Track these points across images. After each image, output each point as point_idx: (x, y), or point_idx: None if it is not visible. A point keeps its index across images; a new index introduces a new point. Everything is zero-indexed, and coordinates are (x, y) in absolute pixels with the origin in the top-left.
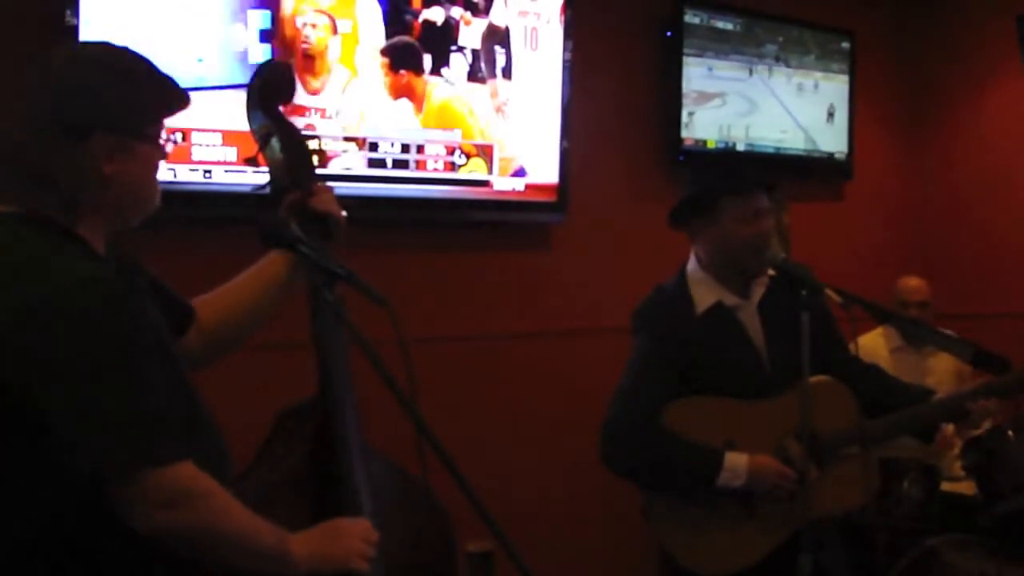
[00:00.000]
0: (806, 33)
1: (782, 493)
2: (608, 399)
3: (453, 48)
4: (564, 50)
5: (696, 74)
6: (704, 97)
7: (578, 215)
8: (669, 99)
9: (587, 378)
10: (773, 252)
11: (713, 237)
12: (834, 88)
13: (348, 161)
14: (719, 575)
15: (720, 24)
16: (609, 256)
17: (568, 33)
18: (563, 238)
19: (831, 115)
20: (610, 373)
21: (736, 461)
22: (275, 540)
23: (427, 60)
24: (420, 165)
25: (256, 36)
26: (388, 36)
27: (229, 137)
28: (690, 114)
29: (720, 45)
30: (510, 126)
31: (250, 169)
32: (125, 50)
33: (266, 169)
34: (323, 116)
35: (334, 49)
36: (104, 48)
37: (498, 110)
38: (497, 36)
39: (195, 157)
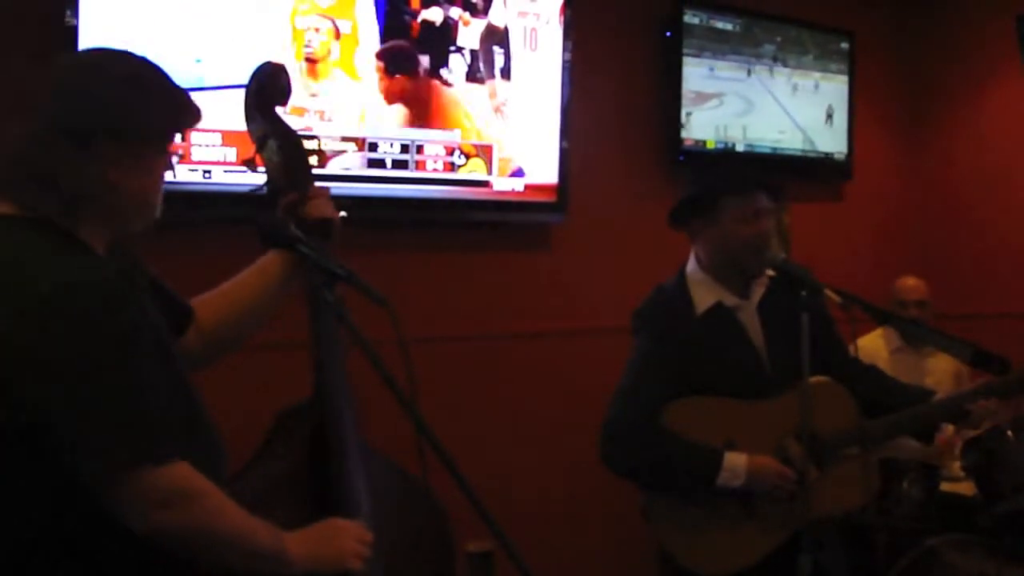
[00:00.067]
0: (806, 33)
1: (782, 493)
2: (608, 399)
3: (452, 48)
4: (564, 50)
5: (696, 74)
6: (702, 97)
7: (578, 215)
8: (669, 99)
9: (587, 378)
10: (773, 252)
11: (713, 237)
12: (833, 88)
13: (347, 161)
14: (719, 575)
15: (720, 24)
16: (609, 256)
17: (567, 33)
18: (563, 238)
19: (830, 116)
20: (610, 373)
21: (735, 461)
22: (271, 540)
23: (425, 61)
24: (419, 165)
25: (257, 37)
26: (387, 36)
27: (229, 137)
28: (687, 114)
29: (719, 45)
30: (509, 126)
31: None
32: (142, 61)
33: (263, 170)
34: (322, 117)
35: (335, 52)
36: (121, 57)
37: (497, 110)
38: (496, 36)
39: (195, 157)
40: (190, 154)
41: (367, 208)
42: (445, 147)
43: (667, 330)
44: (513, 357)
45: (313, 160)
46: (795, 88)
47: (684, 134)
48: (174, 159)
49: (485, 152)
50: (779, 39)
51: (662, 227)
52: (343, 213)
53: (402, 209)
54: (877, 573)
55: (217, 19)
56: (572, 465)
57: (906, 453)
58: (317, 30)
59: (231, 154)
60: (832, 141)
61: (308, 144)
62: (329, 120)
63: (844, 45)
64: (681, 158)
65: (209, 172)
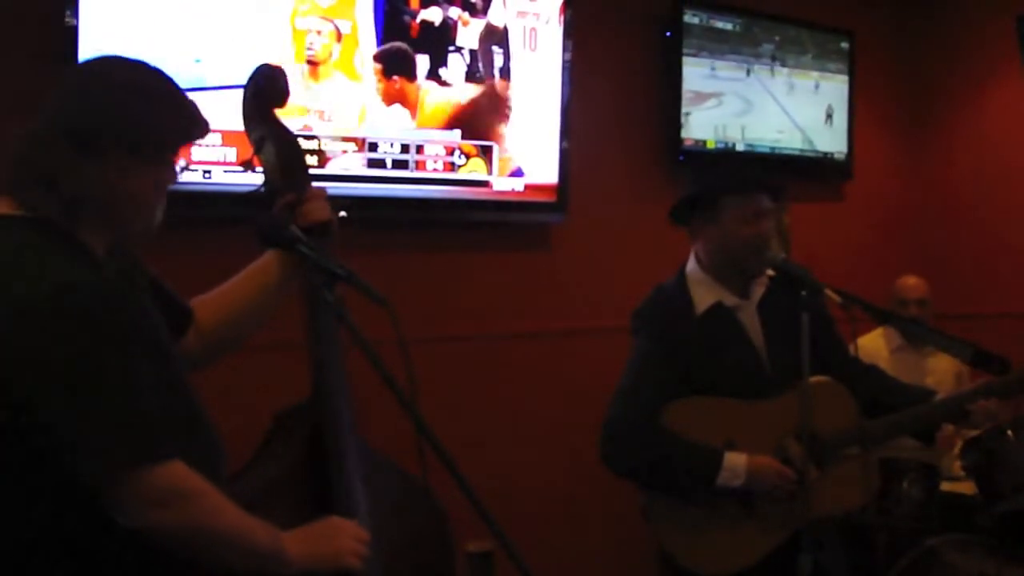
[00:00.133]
0: (805, 33)
1: (782, 493)
2: (608, 399)
3: (451, 48)
4: (564, 50)
5: (695, 74)
6: (700, 97)
7: (578, 215)
8: (669, 99)
9: (587, 378)
10: (773, 252)
11: (713, 236)
12: (833, 88)
13: (347, 161)
14: (719, 575)
15: (719, 24)
16: (609, 256)
17: (567, 33)
18: (563, 238)
19: (830, 115)
20: (610, 373)
21: (735, 461)
22: (268, 539)
23: (425, 61)
24: (419, 165)
25: (256, 38)
26: (386, 37)
27: (228, 137)
28: (686, 114)
29: (719, 45)
30: (509, 126)
31: (248, 171)
32: (154, 71)
33: (261, 171)
34: (322, 117)
35: (336, 53)
36: (132, 66)
37: (497, 110)
38: (495, 36)
39: (195, 157)
40: (190, 154)
41: (367, 208)
42: (445, 147)
43: (667, 330)
44: (513, 357)
45: (313, 160)
46: (794, 88)
47: (684, 134)
48: (179, 167)
49: (485, 152)
50: (778, 39)
51: (662, 227)
52: (343, 213)
53: (402, 209)
54: (877, 573)
55: (217, 19)
56: (572, 465)
57: (906, 453)
58: (319, 32)
59: (231, 154)
60: (832, 141)
61: (308, 144)
62: (329, 120)
63: (844, 45)
64: (681, 158)
65: (209, 172)
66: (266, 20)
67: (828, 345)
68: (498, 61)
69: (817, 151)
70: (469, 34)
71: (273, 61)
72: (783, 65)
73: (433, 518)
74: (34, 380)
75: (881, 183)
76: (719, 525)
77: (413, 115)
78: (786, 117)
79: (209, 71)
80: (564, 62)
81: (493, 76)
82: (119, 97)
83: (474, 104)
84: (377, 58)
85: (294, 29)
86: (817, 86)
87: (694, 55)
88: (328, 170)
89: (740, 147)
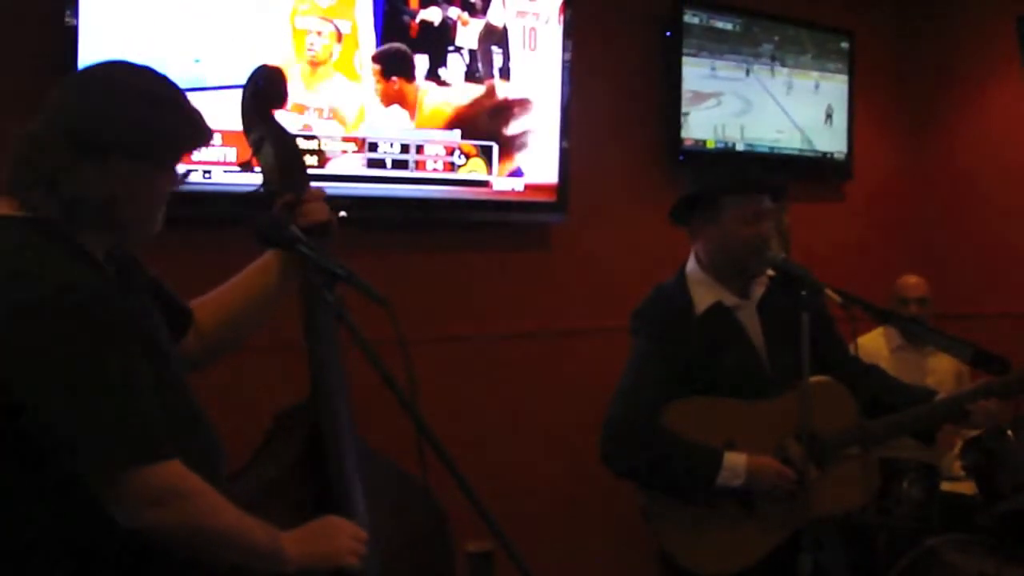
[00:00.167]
0: (805, 33)
1: (781, 493)
2: (608, 399)
3: (451, 48)
4: (563, 50)
5: (695, 74)
6: (700, 97)
7: (578, 215)
8: (669, 99)
9: (587, 378)
10: (773, 253)
11: (713, 236)
12: (833, 88)
13: (347, 161)
14: (719, 575)
15: (719, 24)
16: (609, 256)
17: (567, 33)
18: (563, 238)
19: (829, 115)
20: (610, 373)
21: (735, 461)
22: (266, 538)
23: (424, 61)
24: (419, 165)
25: (256, 38)
26: (385, 36)
27: (228, 137)
28: (685, 114)
29: (719, 45)
30: (508, 126)
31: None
32: (160, 78)
33: (259, 171)
34: (321, 115)
35: (336, 53)
36: (140, 73)
37: (496, 110)
38: (494, 36)
39: (195, 157)
40: (190, 156)
41: (367, 208)
42: (445, 147)
43: (667, 330)
44: (513, 357)
45: (313, 160)
46: (794, 88)
47: (683, 134)
48: (181, 173)
49: (485, 152)
50: (777, 39)
51: (662, 227)
52: (343, 213)
53: (402, 209)
54: (877, 573)
55: (217, 19)
56: (572, 465)
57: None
58: (319, 33)
59: (231, 154)
60: (831, 141)
61: (308, 144)
62: (329, 120)
63: (844, 45)
64: (681, 158)
65: (209, 172)
66: (266, 20)
67: (828, 345)
68: (497, 61)
69: (816, 151)
70: (468, 34)
71: (273, 62)
72: (783, 65)
73: (432, 518)
74: (33, 380)
75: (881, 183)
76: (719, 525)
77: (412, 116)
78: (785, 117)
79: (209, 71)
80: (564, 62)
81: (492, 76)
82: (121, 101)
83: (473, 104)
84: (376, 59)
85: (294, 29)
86: (817, 86)
87: (694, 55)
88: (328, 170)
89: (739, 147)
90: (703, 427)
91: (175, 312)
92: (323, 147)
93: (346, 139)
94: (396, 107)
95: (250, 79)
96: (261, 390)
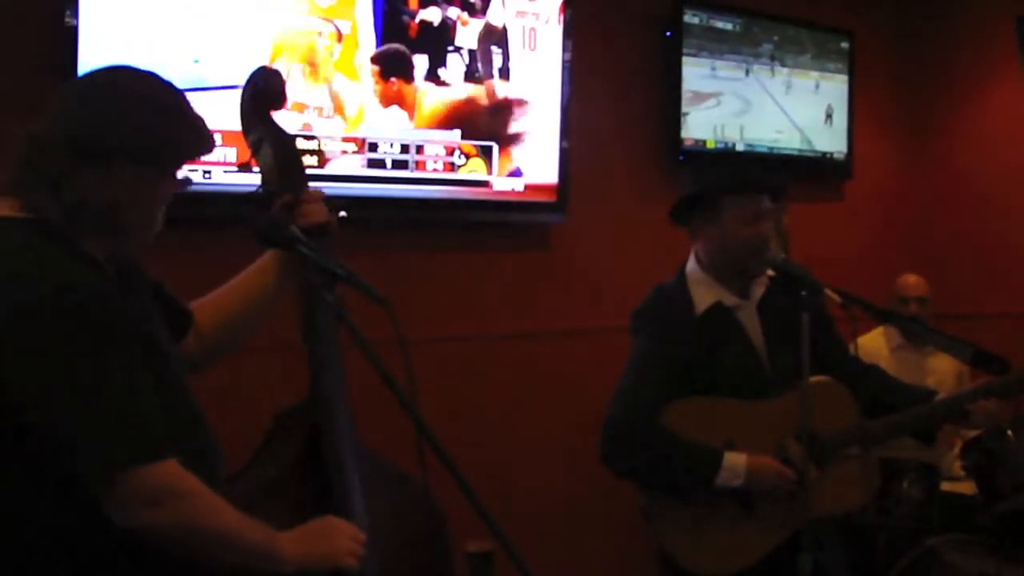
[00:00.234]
0: (806, 33)
1: (781, 493)
2: (608, 399)
3: (450, 48)
4: (563, 50)
5: (695, 74)
6: (699, 97)
7: (578, 215)
8: (669, 99)
9: (587, 378)
10: (773, 253)
11: (713, 236)
12: (833, 88)
13: (347, 162)
14: (719, 575)
15: (719, 24)
16: (609, 256)
17: (567, 33)
18: (563, 238)
19: (829, 115)
20: (610, 373)
21: (735, 461)
22: (263, 538)
23: (423, 61)
24: (419, 165)
25: (256, 38)
26: (385, 37)
27: (228, 137)
28: (684, 114)
29: (719, 45)
30: (508, 127)
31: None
32: (165, 85)
33: (258, 172)
34: (320, 113)
35: (336, 53)
36: (144, 79)
37: (496, 110)
38: (494, 36)
39: None
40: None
41: (367, 208)
42: (445, 147)
43: (667, 330)
44: (513, 357)
45: (313, 161)
46: (794, 88)
47: (683, 134)
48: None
49: (485, 152)
50: (776, 38)
51: (662, 227)
52: (343, 213)
53: (402, 209)
54: (877, 573)
55: (216, 19)
56: (572, 465)
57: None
58: (320, 33)
59: (231, 154)
60: (831, 141)
61: (308, 145)
62: (329, 120)
63: (844, 45)
64: (681, 158)
65: (209, 172)
66: (266, 20)
67: (828, 345)
68: (497, 61)
69: (815, 151)
70: (468, 34)
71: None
72: (782, 65)
73: (431, 519)
74: (32, 379)
75: (881, 183)
76: (719, 525)
77: (411, 116)
78: (785, 117)
79: (209, 71)
80: (564, 62)
81: (492, 76)
82: (124, 107)
83: (473, 104)
84: (374, 60)
85: (294, 29)
86: (817, 86)
87: (693, 55)
88: (328, 170)
89: (739, 147)
90: (703, 427)
91: (175, 314)
92: (323, 147)
93: (346, 139)
94: (395, 108)
95: (249, 81)
96: (261, 391)
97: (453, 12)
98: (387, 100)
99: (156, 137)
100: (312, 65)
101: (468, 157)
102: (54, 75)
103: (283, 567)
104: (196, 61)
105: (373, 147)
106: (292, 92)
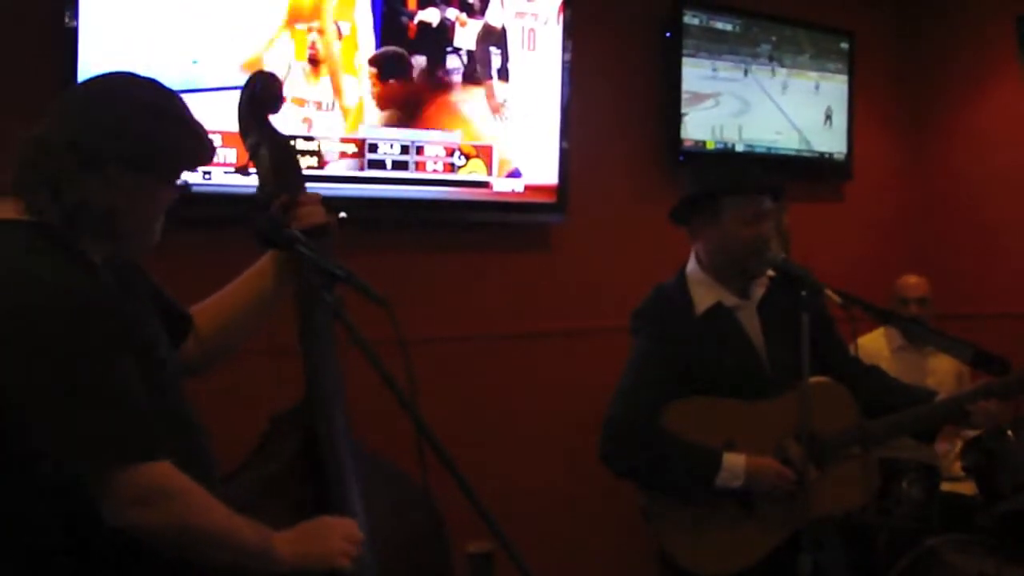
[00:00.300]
0: (807, 34)
1: (781, 494)
2: (608, 399)
3: (449, 49)
4: (563, 51)
5: (695, 74)
6: (698, 98)
7: (578, 215)
8: (668, 100)
9: (587, 378)
10: (773, 253)
11: (713, 237)
12: (833, 88)
13: (347, 163)
14: (719, 575)
15: (719, 25)
16: (609, 256)
17: (567, 34)
18: (563, 238)
19: (829, 116)
20: (610, 373)
21: (734, 461)
22: (256, 538)
23: (422, 62)
24: (419, 166)
25: (256, 38)
26: (384, 37)
27: (228, 138)
28: (683, 115)
29: (718, 46)
30: (507, 127)
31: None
32: (166, 92)
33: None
34: (319, 108)
35: (336, 53)
36: (145, 86)
37: (495, 111)
38: (493, 37)
39: None
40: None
41: (367, 209)
42: (445, 148)
43: (667, 330)
44: (513, 357)
45: (312, 162)
46: (793, 88)
47: (683, 134)
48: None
49: (485, 153)
50: (775, 39)
51: (662, 227)
52: (343, 214)
53: (402, 210)
54: (877, 573)
55: (216, 20)
56: (572, 465)
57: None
58: (321, 32)
59: (231, 155)
60: (831, 141)
61: (308, 146)
62: (329, 121)
63: (844, 45)
64: (681, 158)
65: (209, 174)
66: (265, 20)
67: (828, 345)
68: (496, 62)
69: (814, 151)
70: (467, 35)
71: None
72: (781, 65)
73: (430, 519)
74: (26, 380)
75: (881, 183)
76: (719, 525)
77: (409, 119)
78: (783, 117)
79: (208, 72)
80: (564, 63)
81: (491, 77)
82: (123, 114)
83: (472, 105)
84: (372, 62)
85: (293, 29)
86: (817, 87)
87: (692, 55)
88: (328, 171)
89: (738, 148)
90: (703, 427)
91: (175, 319)
92: (323, 148)
93: (345, 140)
94: (392, 110)
95: (246, 85)
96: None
97: (452, 13)
98: (384, 103)
99: (155, 145)
100: (314, 65)
101: (468, 158)
102: (54, 76)
103: (277, 567)
104: (195, 62)
105: (373, 148)
106: (293, 87)
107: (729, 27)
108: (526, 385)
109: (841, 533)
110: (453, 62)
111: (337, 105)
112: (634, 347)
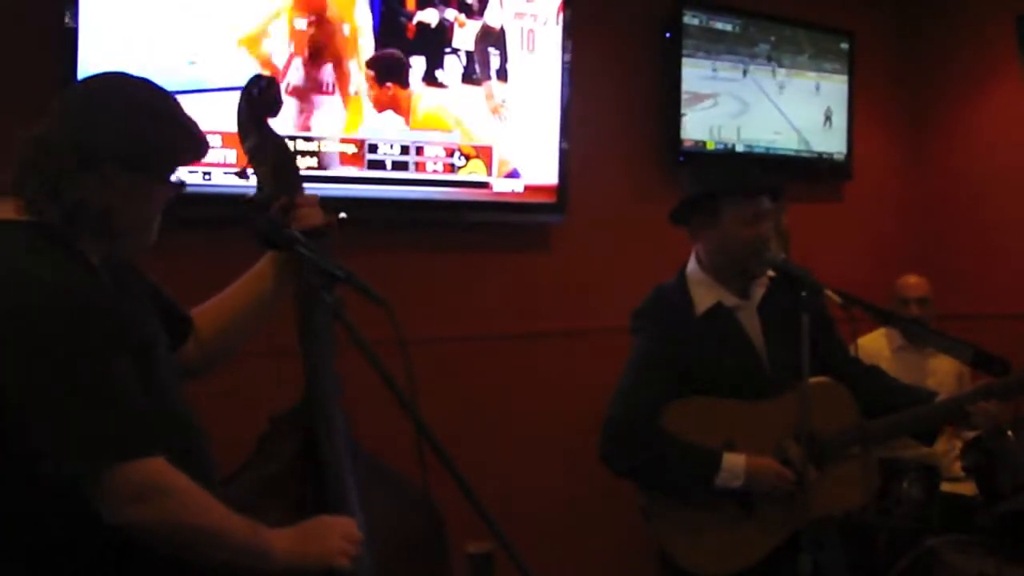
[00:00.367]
0: (807, 34)
1: (781, 494)
2: (608, 399)
3: (447, 50)
4: (563, 51)
5: (695, 75)
6: (696, 98)
7: (578, 216)
8: (668, 100)
9: (587, 378)
10: (773, 253)
11: (713, 238)
12: (833, 88)
13: (347, 163)
14: (719, 575)
15: (719, 25)
16: (609, 256)
17: (567, 34)
18: (562, 239)
19: (828, 116)
20: (610, 373)
21: (734, 462)
22: (252, 535)
23: (420, 63)
24: (419, 167)
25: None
26: (382, 38)
27: (228, 139)
28: (680, 115)
29: (718, 46)
30: (506, 128)
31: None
32: (159, 91)
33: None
34: (320, 115)
35: (335, 52)
36: (138, 86)
37: (494, 111)
38: (491, 37)
39: None
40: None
41: (367, 209)
42: (445, 148)
43: (667, 330)
44: (513, 357)
45: (313, 162)
46: (792, 88)
47: (683, 135)
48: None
49: (485, 153)
50: (773, 38)
51: (662, 227)
52: (343, 215)
53: (402, 210)
54: (877, 573)
55: (216, 20)
56: (572, 465)
57: (906, 453)
58: (320, 23)
59: (231, 156)
60: (830, 141)
61: (308, 146)
62: (329, 121)
63: (844, 45)
64: (681, 159)
65: (209, 174)
66: (265, 21)
67: (828, 346)
68: (494, 62)
69: (813, 151)
70: (465, 35)
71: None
72: (780, 66)
73: (430, 521)
74: (22, 378)
75: (881, 183)
76: (719, 525)
77: (406, 122)
78: (782, 118)
79: (207, 73)
80: (564, 63)
81: (489, 77)
82: (116, 114)
83: (471, 105)
84: (370, 65)
85: (292, 29)
86: (818, 87)
87: (692, 56)
88: (328, 172)
89: (736, 148)
90: (703, 427)
91: (175, 320)
92: (323, 149)
93: (345, 140)
94: (390, 113)
95: (245, 88)
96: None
97: (451, 14)
98: (382, 105)
99: (149, 144)
100: (313, 52)
101: (468, 158)
102: (54, 76)
103: (273, 565)
104: (191, 63)
105: (373, 148)
106: (294, 76)
107: (729, 27)
108: (526, 385)
109: (841, 533)
110: (451, 63)
111: (338, 91)
112: (634, 347)
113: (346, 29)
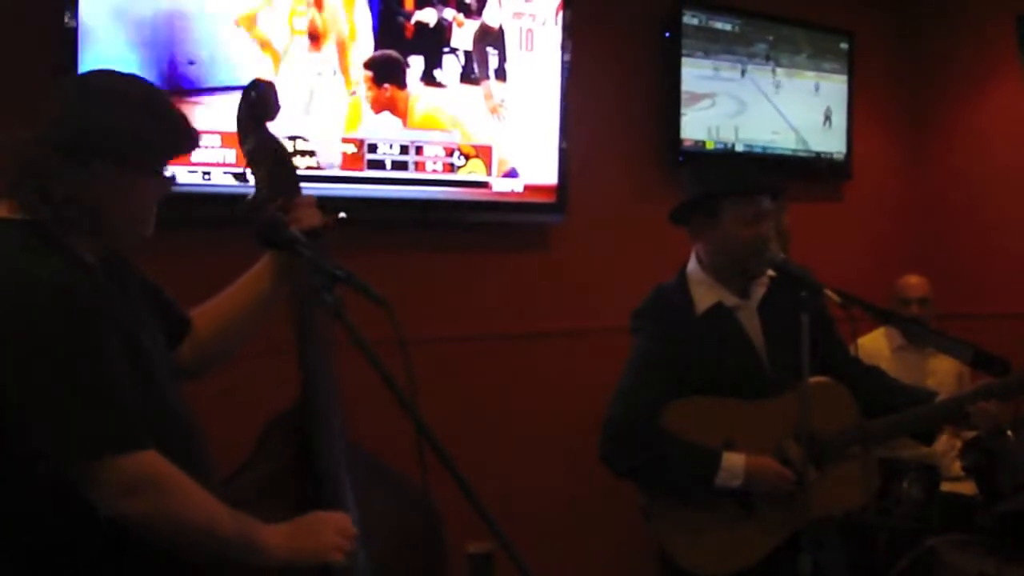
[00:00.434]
0: (806, 34)
1: (781, 494)
2: (608, 399)
3: (446, 50)
4: (563, 51)
5: (694, 75)
6: (694, 98)
7: (577, 216)
8: (668, 100)
9: (587, 378)
10: (772, 253)
11: (713, 238)
12: (832, 88)
13: (347, 163)
14: (719, 575)
15: (719, 25)
16: (609, 256)
17: (567, 34)
18: (562, 239)
19: (828, 116)
20: (610, 373)
21: (734, 461)
22: (245, 529)
23: (419, 63)
24: (419, 166)
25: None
26: (381, 38)
27: (228, 139)
28: (680, 115)
29: (718, 46)
30: (505, 127)
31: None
32: (145, 85)
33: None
34: (320, 117)
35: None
36: (127, 81)
37: (493, 111)
38: (490, 37)
39: (194, 159)
40: (189, 156)
41: (367, 209)
42: (444, 148)
43: (667, 330)
44: (513, 357)
45: (312, 162)
46: (790, 88)
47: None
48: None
49: (484, 153)
50: (771, 38)
51: (662, 227)
52: (342, 215)
53: (401, 210)
54: (877, 573)
55: (215, 20)
56: (572, 465)
57: (906, 453)
58: (319, 31)
59: (230, 156)
60: (830, 141)
61: (307, 146)
62: (328, 121)
63: (843, 45)
64: (680, 159)
65: (208, 174)
66: (264, 21)
67: (828, 345)
68: (493, 62)
69: (811, 151)
70: (464, 35)
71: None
72: (779, 65)
73: (428, 521)
74: (16, 374)
75: (881, 183)
76: (719, 525)
77: (404, 123)
78: (780, 118)
79: (208, 74)
80: (563, 63)
81: (488, 77)
82: (106, 109)
83: (470, 105)
84: (367, 65)
85: (292, 29)
86: (817, 87)
87: (691, 56)
88: (328, 171)
89: (735, 147)
90: (703, 427)
91: (173, 320)
92: (322, 149)
93: (345, 140)
94: (387, 114)
95: (244, 91)
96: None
97: (449, 13)
98: (379, 106)
99: (138, 139)
100: (313, 36)
101: (467, 158)
102: (54, 75)
103: (267, 559)
104: (191, 63)
105: (373, 148)
106: (294, 63)
107: (729, 27)
108: (526, 385)
109: (841, 533)
110: (450, 63)
111: (339, 71)
112: (634, 347)
113: (345, 29)
